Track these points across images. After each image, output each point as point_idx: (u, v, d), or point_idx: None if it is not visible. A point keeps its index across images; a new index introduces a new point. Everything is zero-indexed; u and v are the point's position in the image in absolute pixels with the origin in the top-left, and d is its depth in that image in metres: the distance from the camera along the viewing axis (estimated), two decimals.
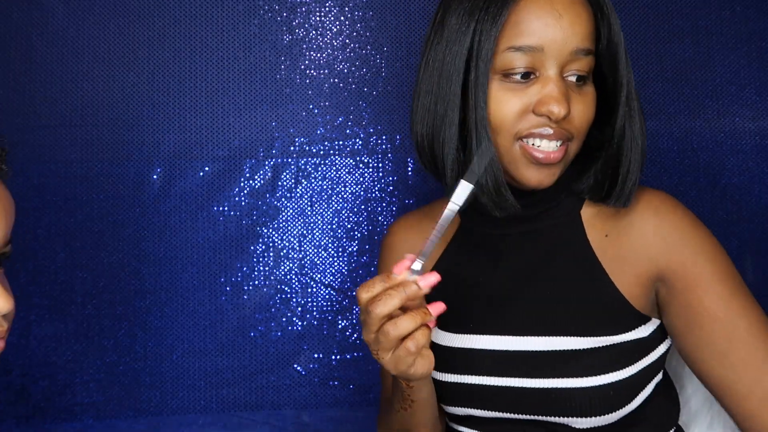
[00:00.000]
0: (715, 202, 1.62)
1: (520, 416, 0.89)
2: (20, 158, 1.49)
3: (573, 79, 0.86)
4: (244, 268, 1.56)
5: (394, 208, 1.59)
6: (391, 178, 1.59)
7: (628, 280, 0.89)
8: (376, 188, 1.59)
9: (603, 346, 0.86)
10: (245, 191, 1.57)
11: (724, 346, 0.86)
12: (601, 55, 0.90)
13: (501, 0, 0.84)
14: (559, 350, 0.87)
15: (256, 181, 1.57)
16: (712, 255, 0.88)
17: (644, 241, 0.89)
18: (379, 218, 1.59)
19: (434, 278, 0.78)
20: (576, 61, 0.85)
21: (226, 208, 1.56)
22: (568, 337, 0.87)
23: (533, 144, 0.86)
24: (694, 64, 1.64)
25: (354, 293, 1.56)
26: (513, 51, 0.84)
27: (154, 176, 1.55)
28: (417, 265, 0.78)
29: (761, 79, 1.64)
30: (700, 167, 1.62)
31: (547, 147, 0.86)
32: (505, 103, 0.85)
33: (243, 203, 1.57)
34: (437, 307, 0.80)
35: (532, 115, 0.85)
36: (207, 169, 1.56)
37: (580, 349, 0.86)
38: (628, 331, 0.88)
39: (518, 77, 0.85)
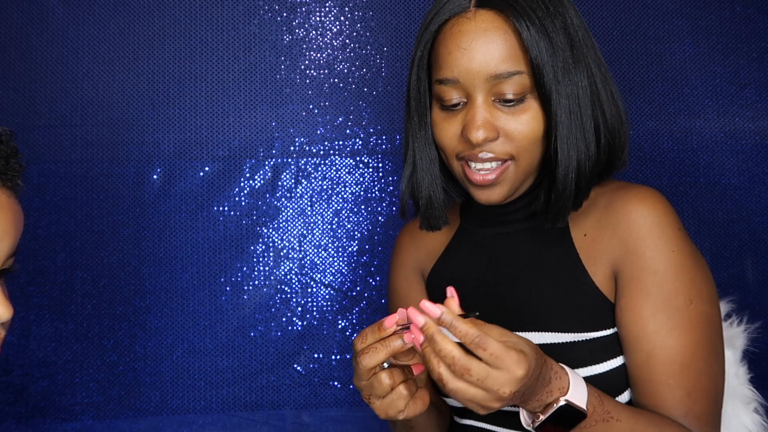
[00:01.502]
0: (715, 202, 1.62)
1: (514, 408, 0.91)
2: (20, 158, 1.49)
3: (501, 102, 0.88)
4: (244, 268, 1.56)
5: (394, 208, 1.59)
6: (391, 178, 1.59)
7: (604, 277, 0.92)
8: (376, 188, 1.59)
9: (583, 341, 0.90)
10: (245, 191, 1.57)
11: (643, 358, 0.87)
12: None
13: (427, 36, 0.91)
14: (542, 345, 0.90)
15: (256, 181, 1.57)
16: (663, 266, 0.88)
17: (614, 237, 0.91)
18: (379, 218, 1.59)
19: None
20: (499, 85, 0.86)
21: (226, 208, 1.56)
22: (550, 333, 0.91)
23: (469, 166, 0.91)
24: (694, 64, 1.64)
25: (354, 293, 1.57)
26: (439, 84, 0.91)
27: (154, 176, 1.55)
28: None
29: (761, 79, 1.64)
30: (700, 167, 1.62)
31: (481, 169, 0.90)
32: (444, 129, 0.92)
33: (243, 203, 1.57)
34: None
35: (463, 140, 0.90)
36: (207, 169, 1.56)
37: (560, 343, 0.90)
38: (607, 328, 0.91)
39: (449, 105, 0.91)
